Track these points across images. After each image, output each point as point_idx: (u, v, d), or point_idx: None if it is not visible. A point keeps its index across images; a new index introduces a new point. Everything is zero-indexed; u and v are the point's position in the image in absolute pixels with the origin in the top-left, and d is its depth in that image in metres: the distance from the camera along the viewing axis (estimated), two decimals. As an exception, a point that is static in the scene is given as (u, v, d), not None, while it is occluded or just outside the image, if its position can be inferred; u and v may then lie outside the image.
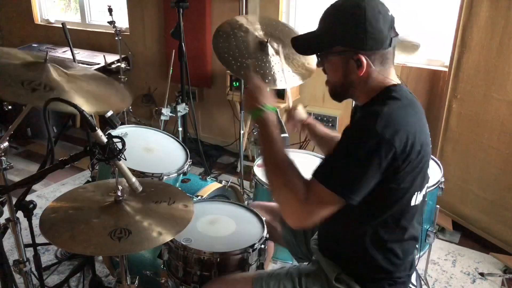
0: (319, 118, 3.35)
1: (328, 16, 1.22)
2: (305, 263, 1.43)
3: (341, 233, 1.31)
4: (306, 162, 2.18)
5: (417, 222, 1.31)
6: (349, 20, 1.15)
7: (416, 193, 1.21)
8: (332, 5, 1.21)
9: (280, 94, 3.28)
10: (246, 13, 3.42)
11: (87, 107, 1.24)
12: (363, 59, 1.15)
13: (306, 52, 1.32)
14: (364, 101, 1.24)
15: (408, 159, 1.12)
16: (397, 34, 1.19)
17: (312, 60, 2.16)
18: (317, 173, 1.15)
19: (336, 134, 1.69)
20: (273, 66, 2.15)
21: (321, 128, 1.70)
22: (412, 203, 1.22)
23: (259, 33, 2.28)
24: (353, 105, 1.44)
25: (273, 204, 1.80)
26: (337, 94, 1.29)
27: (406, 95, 1.20)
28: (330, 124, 3.32)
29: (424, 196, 1.30)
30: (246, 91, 1.36)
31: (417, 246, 1.89)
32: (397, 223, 1.22)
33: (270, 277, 1.35)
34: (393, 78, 1.23)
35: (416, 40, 2.35)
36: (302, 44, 1.30)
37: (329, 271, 1.31)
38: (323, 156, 2.17)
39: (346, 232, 1.28)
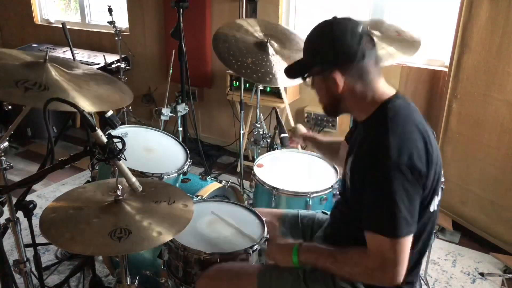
0: (319, 118, 3.35)
1: (306, 42, 1.30)
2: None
3: (351, 240, 1.31)
4: (306, 162, 2.19)
5: (429, 232, 1.30)
6: (319, 42, 1.25)
7: (435, 197, 1.24)
8: (309, 32, 1.29)
9: (280, 94, 3.28)
10: (246, 13, 3.42)
11: (87, 107, 1.24)
12: (337, 76, 1.21)
13: (293, 76, 1.38)
14: (363, 118, 1.28)
15: (431, 169, 1.16)
16: (373, 46, 1.23)
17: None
18: (369, 226, 1.16)
19: (337, 138, 1.72)
20: (273, 65, 2.15)
21: (322, 138, 1.82)
22: (431, 209, 1.24)
23: (259, 34, 2.29)
24: (352, 120, 1.48)
25: (270, 209, 1.80)
26: (329, 111, 1.36)
27: (402, 108, 1.22)
28: (330, 124, 3.32)
29: (437, 208, 1.29)
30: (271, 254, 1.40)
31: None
32: (420, 233, 1.23)
33: (273, 270, 1.36)
34: (386, 90, 1.25)
35: (416, 36, 2.35)
36: (290, 70, 1.38)
37: None
38: (322, 156, 2.19)
39: (357, 237, 1.28)
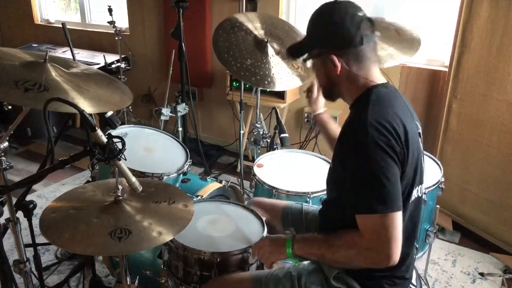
0: (319, 118, 3.35)
1: (309, 23, 1.32)
2: (305, 262, 1.44)
3: (340, 227, 1.31)
4: (306, 162, 2.19)
5: (413, 223, 1.31)
6: (321, 24, 1.27)
7: (414, 189, 1.25)
8: (312, 13, 1.31)
9: (280, 94, 3.29)
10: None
11: (87, 107, 1.24)
12: (335, 59, 1.23)
13: (294, 55, 1.39)
14: (350, 102, 1.31)
15: (408, 146, 1.18)
16: (372, 32, 1.24)
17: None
18: (357, 208, 1.16)
19: None
20: (272, 67, 2.15)
21: (335, 126, 1.75)
22: (412, 198, 1.26)
23: (259, 32, 2.28)
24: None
25: (272, 200, 1.80)
26: (327, 94, 1.38)
27: (385, 94, 1.25)
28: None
29: (420, 196, 1.32)
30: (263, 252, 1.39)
31: (417, 246, 1.90)
32: None
33: (269, 278, 1.35)
34: (377, 77, 1.27)
35: (416, 35, 2.35)
36: (291, 49, 1.39)
37: (328, 270, 1.31)
38: (322, 156, 2.19)
39: (345, 226, 1.28)
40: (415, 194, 1.27)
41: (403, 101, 1.29)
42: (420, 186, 1.30)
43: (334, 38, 1.23)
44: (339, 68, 1.24)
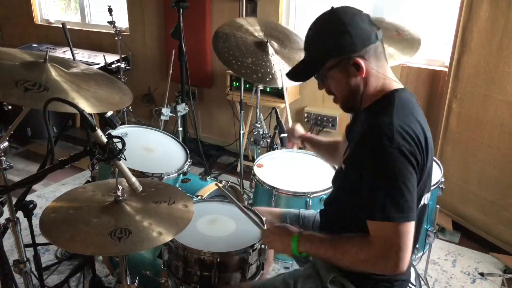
0: (319, 118, 3.35)
1: (311, 39, 1.26)
2: (301, 268, 1.43)
3: (340, 228, 1.30)
4: (306, 162, 2.19)
5: (417, 227, 1.31)
6: (331, 31, 1.20)
7: (425, 194, 1.25)
8: (309, 29, 1.26)
9: (280, 94, 3.29)
10: (246, 13, 3.42)
11: (87, 107, 1.24)
12: (360, 60, 1.18)
13: (305, 76, 1.32)
14: (367, 104, 1.26)
15: (426, 163, 1.17)
16: (379, 28, 1.22)
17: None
18: (371, 214, 1.14)
19: (336, 138, 1.71)
20: (273, 65, 2.15)
21: (320, 139, 1.78)
22: (421, 203, 1.25)
23: (259, 34, 2.29)
24: (352, 116, 1.48)
25: (270, 208, 1.80)
26: (350, 106, 1.30)
27: (408, 100, 1.23)
28: (330, 124, 3.32)
29: (427, 201, 1.31)
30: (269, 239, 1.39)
31: (417, 246, 1.90)
32: None
33: (266, 287, 1.35)
34: (393, 78, 1.25)
35: (416, 35, 2.35)
36: (298, 73, 1.32)
37: (325, 273, 1.31)
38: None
39: (346, 227, 1.28)
40: (423, 201, 1.26)
41: (419, 106, 1.27)
42: (428, 193, 1.29)
43: (353, 40, 1.17)
44: (365, 70, 1.19)
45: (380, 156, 1.11)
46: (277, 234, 1.36)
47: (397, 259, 1.10)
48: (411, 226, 1.11)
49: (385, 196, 1.11)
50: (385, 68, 1.24)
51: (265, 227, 1.55)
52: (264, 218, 1.61)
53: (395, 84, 1.25)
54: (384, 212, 1.11)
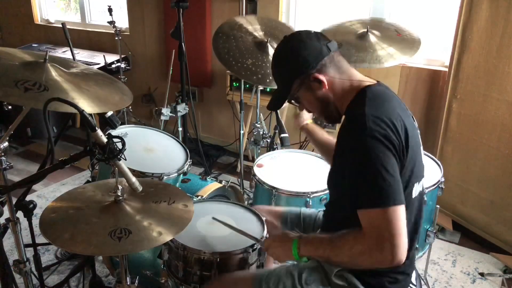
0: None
1: (274, 69, 1.38)
2: (305, 260, 1.43)
3: (343, 229, 1.31)
4: (306, 162, 2.19)
5: (415, 219, 1.32)
6: (286, 57, 1.31)
7: (415, 183, 1.25)
8: (271, 62, 1.39)
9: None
10: (246, 13, 3.42)
11: (87, 107, 1.24)
12: (318, 75, 1.26)
13: (279, 104, 1.42)
14: (344, 107, 1.31)
15: (407, 140, 1.18)
16: (329, 40, 1.30)
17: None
18: (357, 203, 1.15)
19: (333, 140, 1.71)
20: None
21: (321, 134, 1.77)
22: (413, 195, 1.25)
23: (259, 33, 2.28)
24: None
25: (271, 206, 1.80)
26: (329, 116, 1.36)
27: (381, 92, 1.26)
28: (330, 124, 3.31)
29: (422, 191, 1.32)
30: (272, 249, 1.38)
31: (417, 246, 1.90)
32: None
33: (269, 276, 1.36)
34: (363, 78, 1.30)
35: (416, 35, 2.36)
36: (274, 104, 1.42)
37: (329, 267, 1.31)
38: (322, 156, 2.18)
39: (349, 228, 1.28)
40: (418, 188, 1.27)
41: (398, 99, 1.30)
42: (422, 180, 1.31)
43: (305, 59, 1.26)
44: (326, 82, 1.27)
45: (356, 144, 1.15)
46: (277, 241, 1.36)
47: (391, 247, 1.09)
48: (399, 210, 1.11)
49: (367, 183, 1.12)
50: (350, 72, 1.30)
51: (265, 228, 1.56)
52: (264, 218, 1.61)
53: (367, 82, 1.29)
54: (368, 199, 1.12)
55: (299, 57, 1.27)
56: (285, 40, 1.33)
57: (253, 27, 2.30)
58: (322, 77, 1.26)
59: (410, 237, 1.27)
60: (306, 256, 1.30)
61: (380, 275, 1.27)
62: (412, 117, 1.32)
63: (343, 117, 1.32)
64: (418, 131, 1.32)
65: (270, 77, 2.11)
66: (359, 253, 1.16)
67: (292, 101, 1.37)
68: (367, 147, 1.12)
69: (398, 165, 1.15)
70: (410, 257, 1.32)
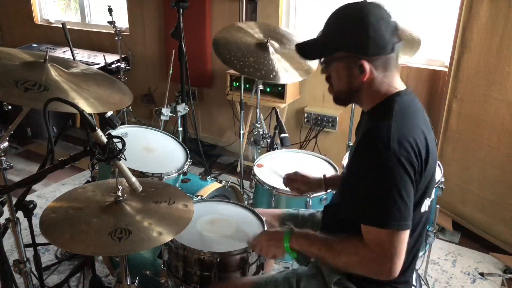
0: (319, 118, 3.35)
1: (332, 22, 1.22)
2: (304, 267, 1.43)
3: (342, 232, 1.30)
4: (306, 162, 2.19)
5: (420, 232, 1.30)
6: (352, 25, 1.16)
7: (426, 199, 1.23)
8: (335, 11, 1.22)
9: (280, 94, 3.29)
10: (246, 13, 3.42)
11: (87, 107, 1.24)
12: (366, 65, 1.16)
13: (311, 56, 1.32)
14: (369, 107, 1.25)
15: (426, 163, 1.15)
16: (400, 40, 1.19)
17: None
18: (364, 219, 1.14)
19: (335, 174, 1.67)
20: (276, 63, 2.17)
21: (308, 179, 1.69)
22: (422, 210, 1.24)
23: (259, 35, 2.30)
24: (351, 118, 1.45)
25: (269, 209, 1.80)
26: (341, 100, 1.29)
27: (409, 104, 1.21)
28: (330, 124, 3.32)
29: (430, 204, 1.30)
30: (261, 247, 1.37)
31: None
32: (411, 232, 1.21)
33: (268, 283, 1.35)
34: (398, 85, 1.23)
35: (416, 35, 2.36)
36: (306, 49, 1.29)
37: (328, 274, 1.30)
38: (322, 156, 2.19)
39: (347, 231, 1.28)
40: (427, 203, 1.25)
41: (423, 109, 1.25)
42: (428, 199, 1.27)
43: (368, 43, 1.13)
44: (367, 75, 1.17)
45: (376, 162, 1.11)
46: (268, 235, 1.36)
47: (390, 265, 1.11)
48: (405, 235, 1.12)
49: (377, 203, 1.11)
50: (393, 78, 1.22)
51: (265, 228, 1.55)
52: (264, 219, 1.61)
53: (400, 86, 1.23)
54: (376, 219, 1.11)
55: (364, 35, 1.13)
56: (365, 6, 1.16)
57: (253, 30, 2.32)
58: (367, 69, 1.16)
59: (414, 248, 1.27)
60: (298, 249, 1.28)
61: (381, 284, 1.26)
62: (433, 133, 1.27)
63: (366, 116, 1.27)
64: (435, 142, 1.27)
65: (274, 73, 2.11)
66: (357, 262, 1.16)
67: (323, 63, 1.25)
68: (387, 168, 1.09)
69: (413, 190, 1.13)
70: (412, 267, 1.32)
